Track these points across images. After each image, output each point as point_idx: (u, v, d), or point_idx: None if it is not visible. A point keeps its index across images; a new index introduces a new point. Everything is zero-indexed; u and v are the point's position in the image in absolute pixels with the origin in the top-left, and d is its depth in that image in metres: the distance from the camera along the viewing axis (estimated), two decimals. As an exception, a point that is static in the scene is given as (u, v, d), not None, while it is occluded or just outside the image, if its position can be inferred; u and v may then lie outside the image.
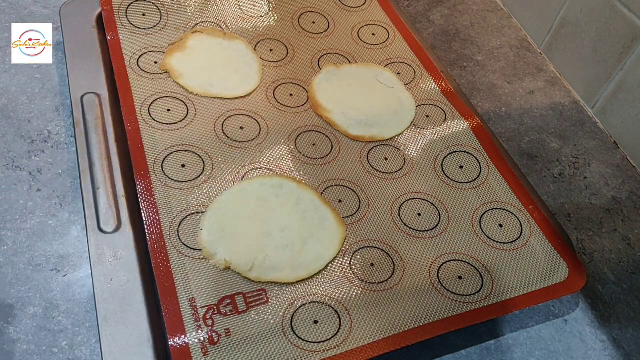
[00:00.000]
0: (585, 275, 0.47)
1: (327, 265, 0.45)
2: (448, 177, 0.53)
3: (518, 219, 0.50)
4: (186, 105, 0.53)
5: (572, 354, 0.45)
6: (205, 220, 0.46)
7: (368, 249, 0.47)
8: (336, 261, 0.45)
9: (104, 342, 0.39)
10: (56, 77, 0.55)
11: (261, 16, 0.63)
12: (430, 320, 0.43)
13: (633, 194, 0.56)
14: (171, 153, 0.49)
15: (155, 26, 0.59)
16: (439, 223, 0.49)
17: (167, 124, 0.51)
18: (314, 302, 0.43)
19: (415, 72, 0.61)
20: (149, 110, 0.52)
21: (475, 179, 0.53)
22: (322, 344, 0.41)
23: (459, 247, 0.48)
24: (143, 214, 0.45)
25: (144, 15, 0.59)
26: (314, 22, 0.64)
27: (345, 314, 0.42)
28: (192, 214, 0.46)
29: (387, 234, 0.48)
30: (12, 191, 0.47)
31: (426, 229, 0.49)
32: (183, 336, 0.39)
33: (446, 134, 0.56)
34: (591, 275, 0.50)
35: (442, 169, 0.53)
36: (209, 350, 0.39)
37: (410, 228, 0.49)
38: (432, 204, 0.51)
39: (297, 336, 0.41)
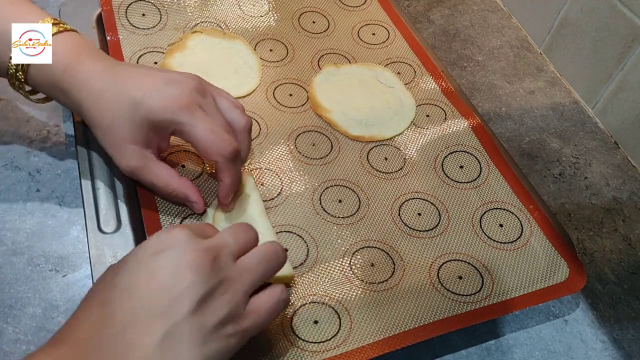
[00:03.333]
0: (585, 275, 0.47)
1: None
2: (448, 177, 0.53)
3: (518, 219, 0.50)
4: (186, 105, 0.53)
5: (572, 354, 0.45)
6: (205, 220, 0.46)
7: (368, 249, 0.47)
8: (336, 261, 0.45)
9: (104, 342, 0.39)
10: (56, 77, 0.55)
11: (261, 16, 0.63)
12: (430, 320, 0.43)
13: (634, 194, 0.56)
14: (171, 153, 0.49)
15: (155, 26, 0.59)
16: (439, 223, 0.49)
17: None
18: (314, 302, 0.43)
19: (415, 72, 0.61)
20: (148, 110, 0.52)
21: (475, 179, 0.53)
22: (322, 344, 0.40)
23: (459, 247, 0.48)
24: (143, 214, 0.45)
25: (143, 15, 0.59)
26: (314, 22, 0.64)
27: (345, 314, 0.42)
28: (192, 214, 0.46)
29: (387, 234, 0.48)
30: (11, 191, 0.47)
31: (426, 229, 0.49)
32: (183, 336, 0.39)
33: (446, 133, 0.55)
34: (591, 275, 0.50)
35: (442, 168, 0.53)
36: (208, 351, 0.39)
37: (410, 228, 0.49)
38: (432, 203, 0.50)
39: (297, 336, 0.41)
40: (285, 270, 0.42)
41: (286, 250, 0.38)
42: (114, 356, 0.30)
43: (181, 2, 0.61)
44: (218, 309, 0.32)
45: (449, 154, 0.54)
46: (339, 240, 0.47)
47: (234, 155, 0.42)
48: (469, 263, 0.47)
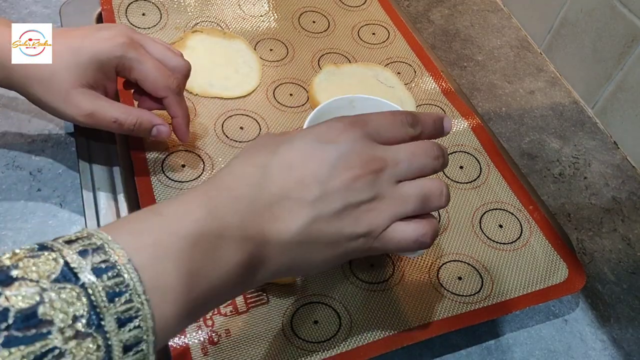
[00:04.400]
0: (585, 275, 0.47)
1: None
2: (448, 177, 0.53)
3: (518, 219, 0.50)
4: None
5: (572, 353, 0.45)
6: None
7: (368, 249, 0.47)
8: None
9: (104, 342, 0.39)
10: (56, 77, 0.55)
11: (261, 16, 0.63)
12: (430, 320, 0.43)
13: (633, 194, 0.56)
14: (171, 153, 0.49)
15: (155, 26, 0.59)
16: (438, 223, 0.49)
17: (167, 124, 0.51)
18: (314, 302, 0.43)
19: (415, 72, 0.61)
20: (149, 110, 0.52)
21: (475, 179, 0.53)
22: (322, 344, 0.41)
23: (458, 248, 0.48)
24: (143, 214, 0.45)
25: (143, 14, 0.59)
26: (314, 22, 0.64)
27: (345, 314, 0.42)
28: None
29: (387, 234, 0.48)
30: (12, 191, 0.47)
31: (426, 229, 0.49)
32: (183, 336, 0.39)
33: (446, 134, 0.56)
34: (591, 275, 0.50)
35: (442, 169, 0.53)
36: (209, 351, 0.39)
37: (410, 228, 0.49)
38: (432, 204, 0.51)
39: (297, 336, 0.41)
40: None
41: (448, 196, 0.35)
42: (258, 220, 0.30)
43: (181, 1, 0.61)
44: (359, 223, 0.32)
45: (448, 154, 0.54)
46: (339, 240, 0.47)
47: (180, 88, 0.46)
48: (468, 264, 0.47)
